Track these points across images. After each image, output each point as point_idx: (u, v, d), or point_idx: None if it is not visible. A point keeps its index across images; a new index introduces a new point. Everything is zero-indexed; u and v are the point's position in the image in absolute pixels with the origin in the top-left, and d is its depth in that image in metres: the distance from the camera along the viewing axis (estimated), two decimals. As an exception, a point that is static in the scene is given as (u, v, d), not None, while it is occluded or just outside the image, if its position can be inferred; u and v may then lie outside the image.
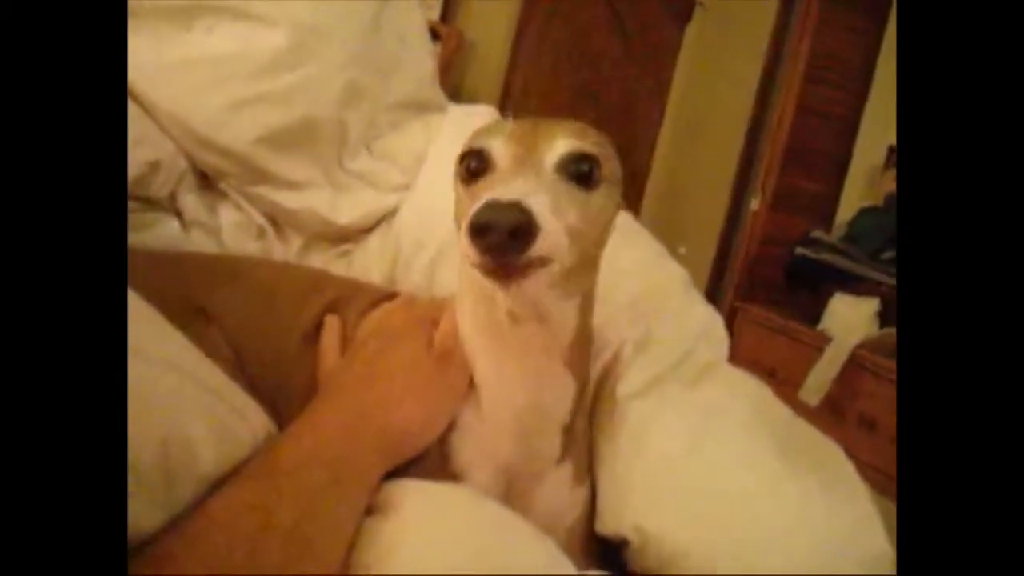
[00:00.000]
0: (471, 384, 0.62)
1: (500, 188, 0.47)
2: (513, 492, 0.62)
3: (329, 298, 0.72)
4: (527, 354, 0.60)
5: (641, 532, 0.60)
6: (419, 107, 1.02)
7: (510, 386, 0.61)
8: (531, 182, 0.49)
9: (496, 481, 0.61)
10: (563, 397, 0.62)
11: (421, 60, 1.05)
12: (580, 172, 0.53)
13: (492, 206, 0.43)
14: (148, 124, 0.86)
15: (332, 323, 0.69)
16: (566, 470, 0.64)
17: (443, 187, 0.89)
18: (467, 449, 0.61)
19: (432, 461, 0.59)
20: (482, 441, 0.61)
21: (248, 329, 0.69)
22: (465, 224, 0.44)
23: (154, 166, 0.83)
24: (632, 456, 0.64)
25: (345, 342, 0.67)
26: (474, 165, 0.54)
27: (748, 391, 0.70)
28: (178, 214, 0.91)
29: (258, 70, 0.87)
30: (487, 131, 0.56)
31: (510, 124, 0.57)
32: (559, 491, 0.64)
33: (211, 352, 0.54)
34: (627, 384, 0.68)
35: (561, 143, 0.54)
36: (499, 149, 0.54)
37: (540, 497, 0.63)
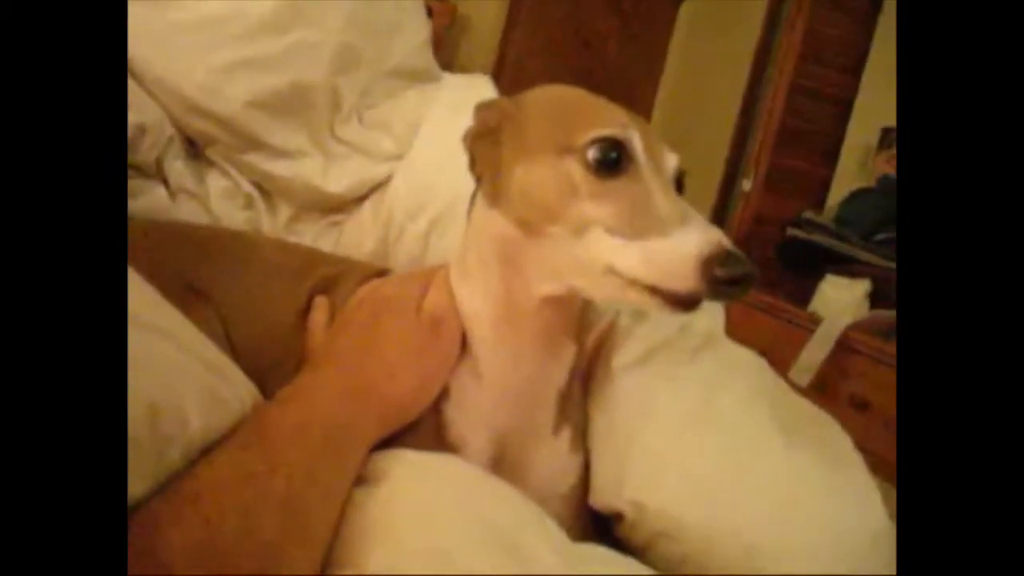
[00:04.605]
0: (466, 353, 0.61)
1: (701, 225, 0.48)
2: (507, 460, 0.61)
3: (320, 277, 0.71)
4: (544, 331, 0.60)
5: (638, 506, 0.60)
6: (414, 76, 1.00)
7: (518, 358, 0.61)
8: (697, 214, 0.50)
9: (491, 450, 0.61)
10: (564, 365, 0.63)
11: (416, 28, 1.03)
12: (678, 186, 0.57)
13: (737, 259, 0.45)
14: (133, 87, 0.83)
15: (321, 303, 0.68)
16: (563, 438, 0.64)
17: (439, 157, 0.89)
18: (464, 418, 0.60)
19: (426, 430, 0.58)
20: (479, 410, 0.61)
21: (240, 308, 0.68)
22: (695, 254, 0.46)
23: (140, 129, 0.81)
24: (630, 430, 0.63)
25: (333, 321, 0.67)
26: (613, 156, 0.52)
27: (746, 364, 0.70)
28: (165, 182, 0.89)
29: (249, 33, 0.84)
30: (618, 121, 0.54)
31: (627, 113, 0.56)
32: (555, 459, 0.64)
33: (200, 327, 0.53)
34: (624, 355, 0.67)
35: (671, 156, 0.56)
36: (638, 148, 0.53)
37: (535, 465, 0.62)
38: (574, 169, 0.53)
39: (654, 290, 0.48)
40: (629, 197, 0.51)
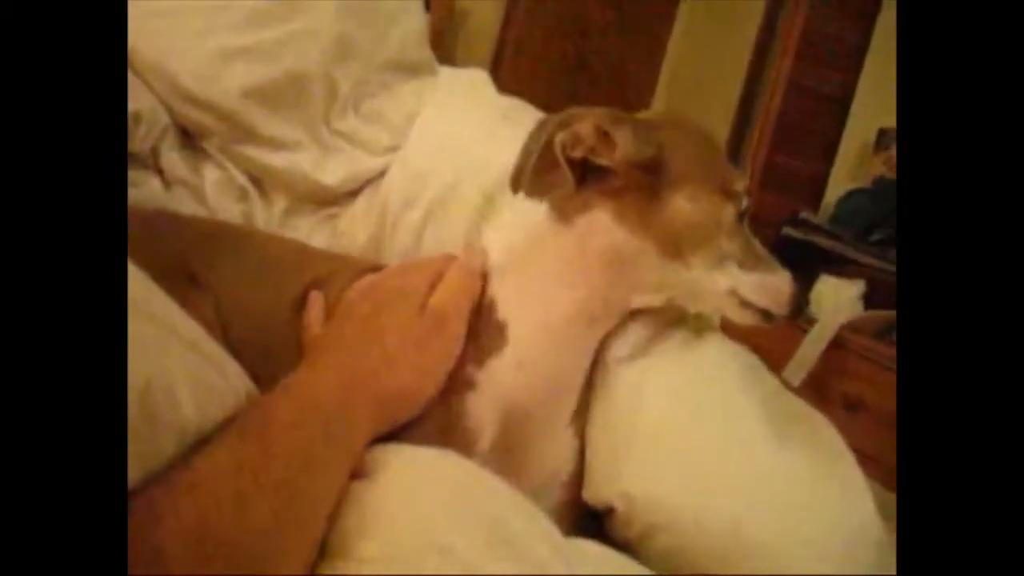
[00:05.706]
0: (498, 346, 0.62)
1: (784, 272, 0.66)
2: (521, 449, 0.62)
3: (315, 273, 0.72)
4: (605, 331, 0.66)
5: (629, 499, 0.60)
6: (410, 68, 0.99)
7: (575, 355, 0.65)
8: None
9: (507, 439, 0.62)
10: (592, 355, 0.66)
11: (413, 20, 1.02)
12: None
13: (805, 295, 0.65)
14: (128, 75, 0.83)
15: (316, 298, 0.69)
16: (574, 428, 0.66)
17: (435, 149, 0.89)
18: (488, 410, 0.61)
19: (434, 424, 0.59)
20: (510, 401, 0.62)
21: (236, 300, 0.68)
22: (788, 289, 0.64)
23: (134, 118, 0.80)
24: (624, 424, 0.64)
25: (329, 316, 0.67)
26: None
27: (740, 362, 0.70)
28: (160, 172, 0.88)
29: (244, 21, 0.84)
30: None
31: None
32: (565, 447, 0.65)
33: (197, 318, 0.53)
34: (621, 346, 0.67)
35: None
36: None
37: (547, 454, 0.64)
38: (728, 211, 0.64)
39: (761, 310, 0.64)
40: (745, 238, 0.65)
